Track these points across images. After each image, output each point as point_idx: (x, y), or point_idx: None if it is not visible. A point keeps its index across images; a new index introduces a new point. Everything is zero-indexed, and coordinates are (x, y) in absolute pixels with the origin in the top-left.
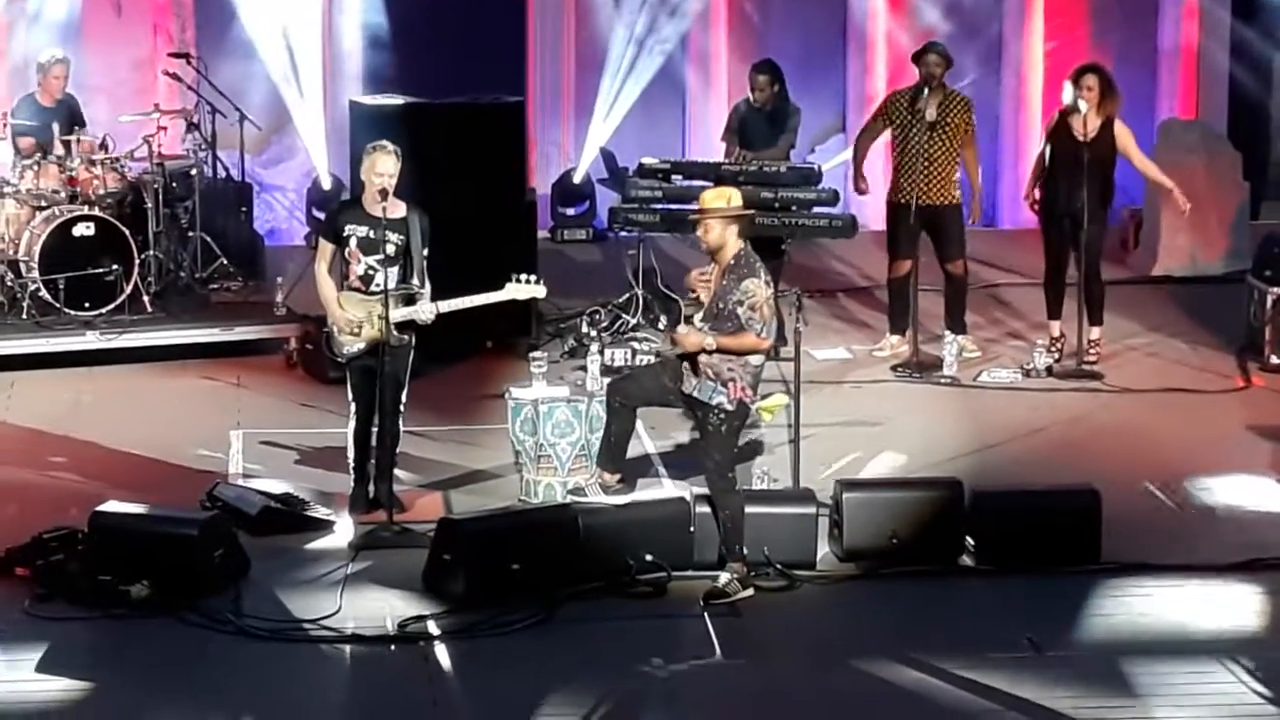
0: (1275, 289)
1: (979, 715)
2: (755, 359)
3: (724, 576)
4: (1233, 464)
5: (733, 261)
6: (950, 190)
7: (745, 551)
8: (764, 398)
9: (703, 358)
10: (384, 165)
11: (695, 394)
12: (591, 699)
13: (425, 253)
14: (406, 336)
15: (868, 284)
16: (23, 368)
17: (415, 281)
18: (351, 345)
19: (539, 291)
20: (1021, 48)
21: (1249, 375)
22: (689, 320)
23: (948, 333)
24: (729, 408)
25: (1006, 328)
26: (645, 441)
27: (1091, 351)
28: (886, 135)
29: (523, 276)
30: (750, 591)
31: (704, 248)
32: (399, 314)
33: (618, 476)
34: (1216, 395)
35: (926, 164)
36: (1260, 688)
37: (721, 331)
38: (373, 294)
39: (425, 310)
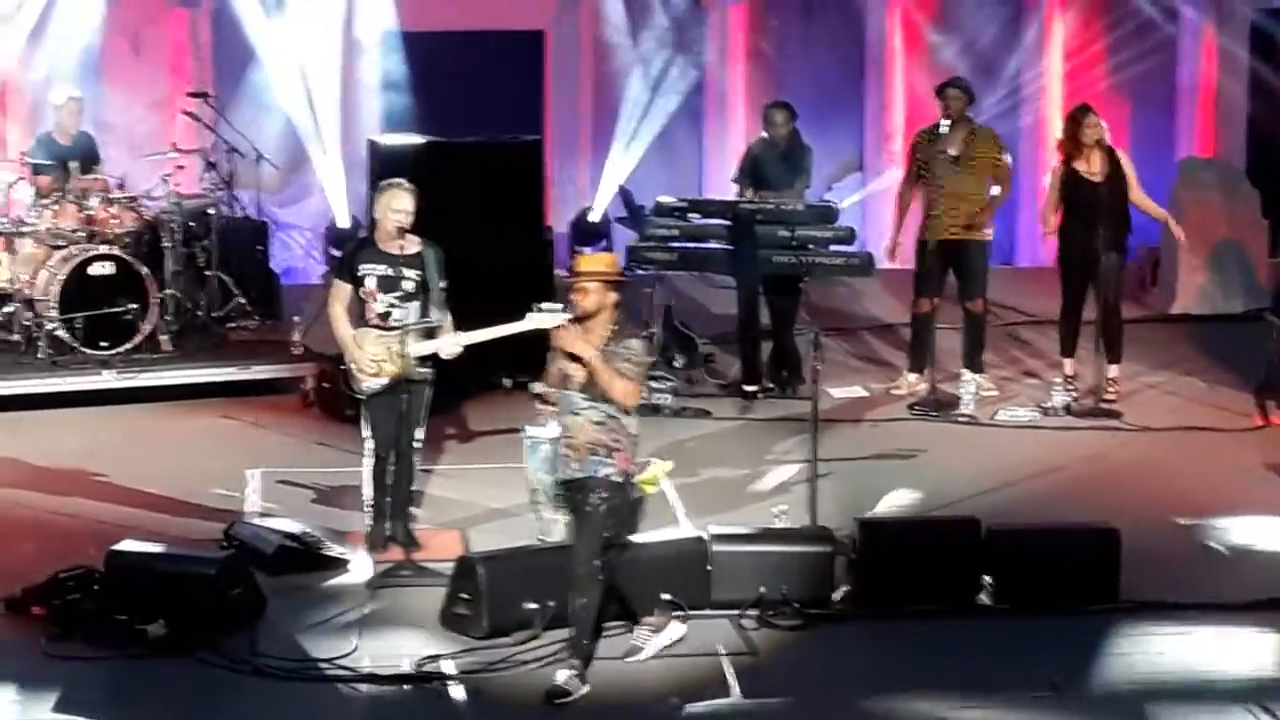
0: None
1: None
2: (633, 428)
3: (563, 674)
4: (1252, 503)
5: (615, 328)
6: (981, 226)
7: (589, 646)
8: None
9: (583, 431)
10: (399, 203)
11: (579, 475)
12: None
13: (443, 285)
14: (427, 372)
15: (884, 322)
16: (40, 407)
17: (435, 314)
18: (372, 383)
19: (563, 319)
20: (1039, 85)
21: (1268, 414)
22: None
23: (965, 371)
24: (617, 480)
25: (1024, 366)
26: (657, 475)
27: (1110, 390)
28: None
29: (544, 305)
30: (587, 688)
31: (577, 312)
32: (423, 348)
33: (667, 619)
34: (1235, 434)
35: (953, 200)
36: None
37: (606, 399)
38: (392, 329)
39: (449, 343)
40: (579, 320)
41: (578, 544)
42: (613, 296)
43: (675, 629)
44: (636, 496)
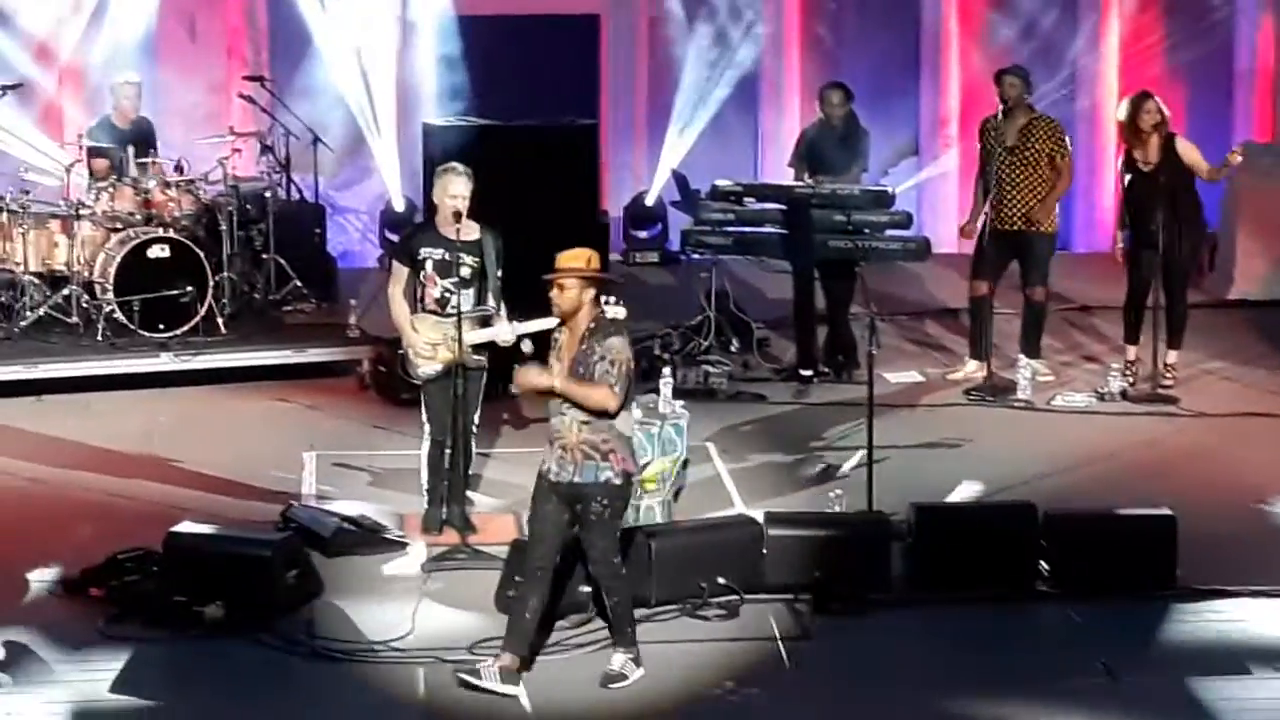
0: None
1: None
2: (625, 429)
3: (618, 659)
4: None
5: (593, 325)
6: (1037, 216)
7: (633, 631)
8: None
9: (574, 432)
10: (455, 187)
11: (576, 479)
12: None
13: (500, 274)
14: (482, 358)
15: (940, 307)
16: (98, 389)
17: (491, 303)
18: (427, 367)
19: (619, 313)
20: (1096, 70)
21: None
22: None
23: (1022, 357)
24: (617, 482)
25: (1081, 351)
26: (717, 464)
27: (1167, 375)
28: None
29: (601, 297)
30: (642, 671)
31: (555, 310)
32: (476, 336)
33: (519, 661)
34: None
35: (1010, 189)
36: None
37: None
38: (448, 316)
39: (504, 331)
40: (561, 319)
41: (593, 551)
42: (590, 293)
43: (641, 669)
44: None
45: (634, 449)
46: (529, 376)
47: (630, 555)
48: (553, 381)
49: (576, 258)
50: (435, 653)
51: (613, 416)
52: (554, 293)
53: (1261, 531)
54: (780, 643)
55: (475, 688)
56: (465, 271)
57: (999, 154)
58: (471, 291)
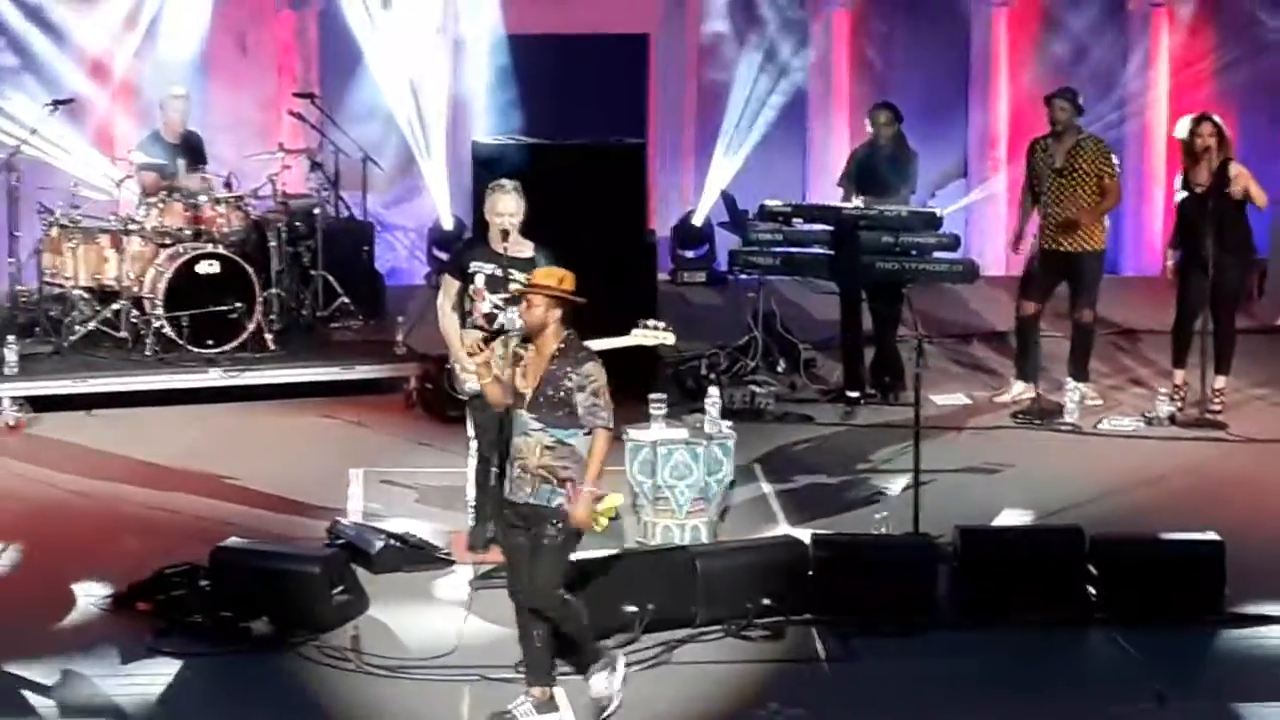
0: None
1: None
2: (585, 450)
3: (597, 678)
4: None
5: (563, 345)
6: (1086, 238)
7: (595, 649)
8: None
9: (535, 455)
10: (504, 205)
11: (531, 501)
12: None
13: None
14: None
15: (988, 329)
16: (146, 404)
17: None
18: (474, 382)
19: (669, 338)
20: (1147, 93)
21: None
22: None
23: (1070, 380)
24: (569, 509)
25: (1129, 375)
26: (762, 484)
27: (1216, 401)
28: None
29: (650, 322)
30: (617, 703)
31: (522, 325)
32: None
33: (548, 691)
34: None
35: (1059, 210)
36: None
37: (553, 421)
38: (496, 332)
39: None
40: (526, 337)
41: (538, 576)
42: (557, 313)
43: (620, 661)
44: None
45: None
46: (582, 511)
47: (676, 575)
48: (592, 489)
49: (549, 276)
50: (480, 670)
51: (545, 425)
52: (522, 307)
53: None
54: (826, 666)
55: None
56: (514, 288)
57: (1048, 176)
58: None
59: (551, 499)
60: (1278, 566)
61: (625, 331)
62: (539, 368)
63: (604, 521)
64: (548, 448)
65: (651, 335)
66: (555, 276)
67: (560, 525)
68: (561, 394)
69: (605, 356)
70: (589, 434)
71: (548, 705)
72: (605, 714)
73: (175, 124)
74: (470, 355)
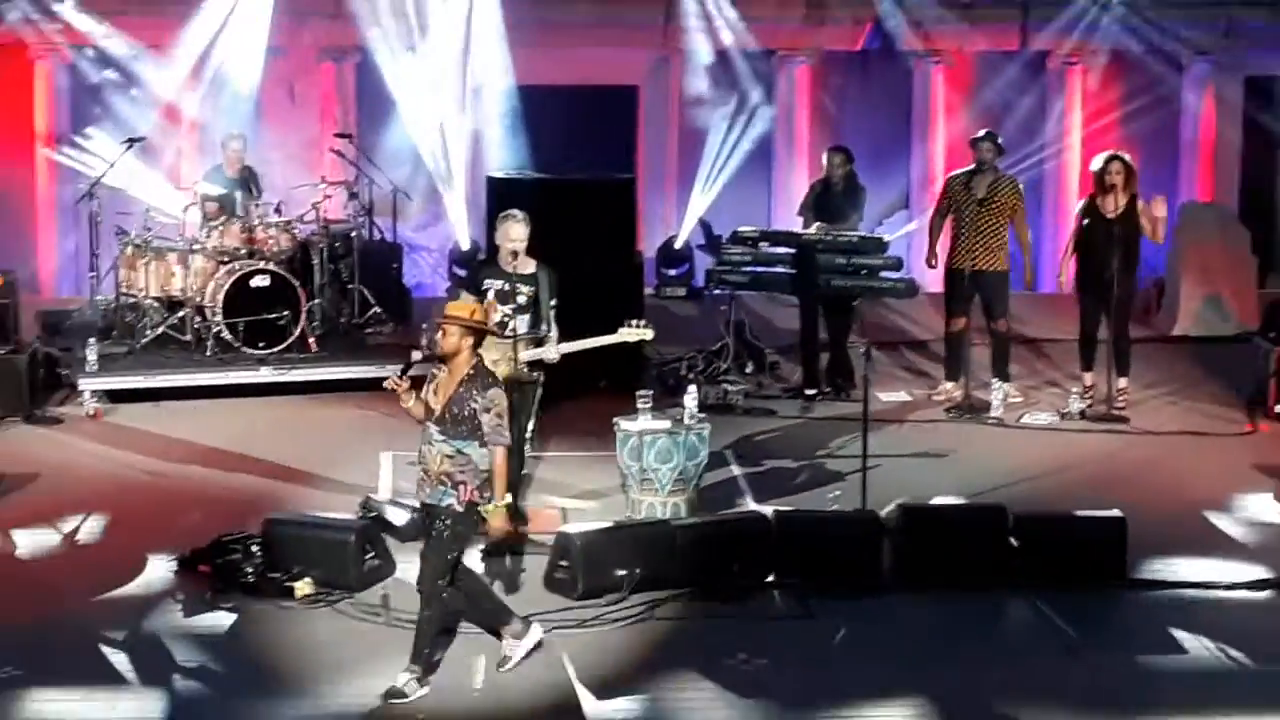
0: (1277, 348)
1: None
2: (483, 464)
3: (403, 676)
4: (1242, 497)
5: (471, 372)
6: (998, 258)
7: (429, 654)
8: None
9: (438, 466)
10: (515, 232)
11: (428, 500)
12: (686, 685)
13: (554, 303)
14: (537, 374)
15: (926, 338)
16: (206, 397)
17: (544, 327)
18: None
19: (648, 334)
20: (1063, 138)
21: (1256, 422)
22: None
23: (994, 380)
24: (458, 509)
25: (1045, 377)
26: (733, 467)
27: (1119, 399)
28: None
29: (633, 322)
30: (427, 689)
31: (438, 350)
32: (529, 354)
33: (518, 627)
34: (1227, 438)
35: (976, 235)
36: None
37: (455, 434)
38: (506, 338)
39: (551, 351)
40: (440, 359)
41: (424, 566)
42: (470, 340)
43: (535, 632)
44: (474, 522)
45: (485, 480)
46: (496, 523)
47: (659, 544)
48: (503, 522)
49: (462, 309)
50: (488, 625)
51: (447, 434)
52: (438, 335)
53: (1200, 533)
54: (786, 622)
55: (402, 706)
56: (521, 300)
57: (969, 206)
58: (527, 317)
59: (444, 499)
60: (1171, 540)
61: (614, 330)
62: (449, 388)
63: (494, 524)
64: (448, 456)
65: (635, 333)
66: (467, 309)
67: (449, 523)
68: (466, 412)
69: (599, 353)
70: (484, 446)
71: (523, 633)
72: (501, 669)
73: (234, 160)
74: (393, 389)
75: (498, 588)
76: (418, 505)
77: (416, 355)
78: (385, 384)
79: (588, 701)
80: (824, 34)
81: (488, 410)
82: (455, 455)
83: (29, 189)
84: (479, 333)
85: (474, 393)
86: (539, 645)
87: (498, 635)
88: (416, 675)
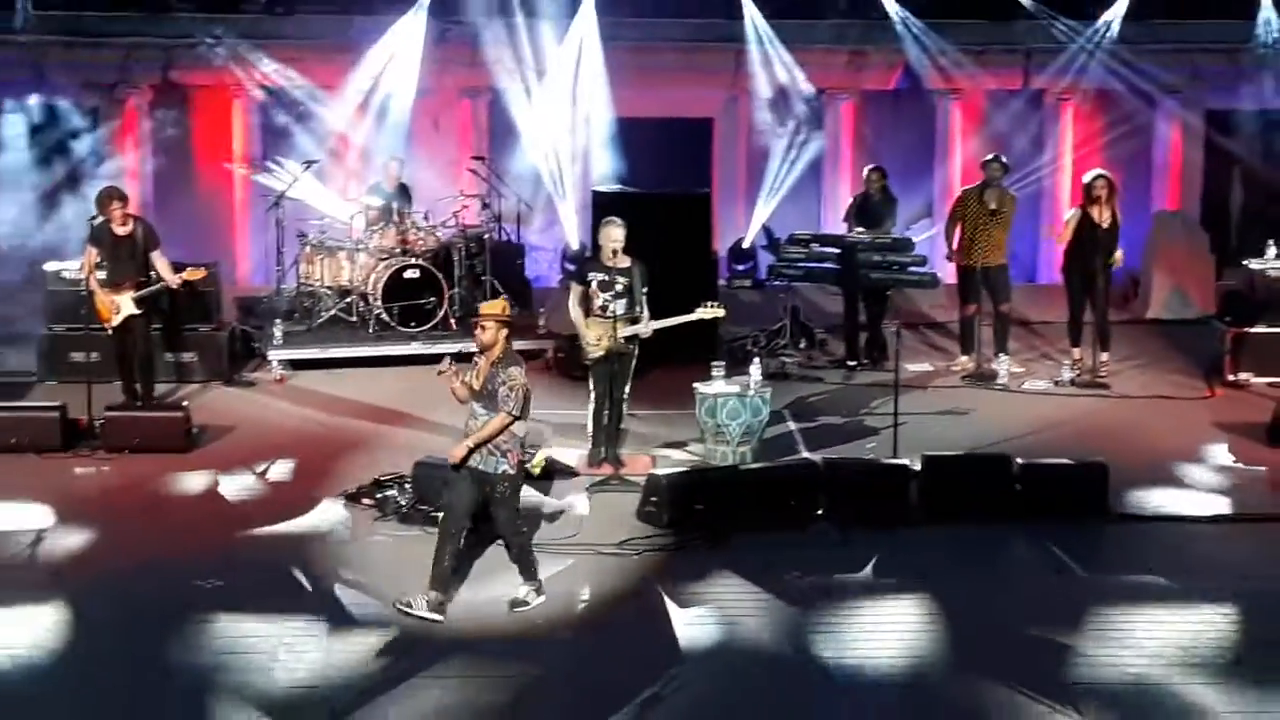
0: (1231, 329)
1: (1021, 625)
2: (519, 430)
3: (523, 590)
4: (1201, 447)
5: (501, 355)
6: (1002, 255)
7: (538, 573)
8: (531, 458)
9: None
10: (614, 234)
11: (482, 468)
12: (750, 596)
13: (645, 290)
14: (632, 346)
15: (945, 320)
16: (368, 365)
17: (638, 309)
18: (594, 352)
19: (720, 312)
20: (1056, 160)
21: (1213, 388)
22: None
23: (999, 354)
24: (512, 472)
25: (1040, 352)
26: (789, 423)
27: (1101, 369)
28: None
29: (708, 303)
30: (544, 598)
31: (477, 344)
32: (626, 330)
33: (441, 598)
34: (1190, 401)
35: (987, 238)
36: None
37: (493, 408)
38: (608, 318)
39: (644, 327)
40: (481, 350)
41: (500, 519)
42: (504, 332)
43: (543, 597)
44: (522, 480)
45: (523, 443)
46: (456, 450)
47: (729, 484)
48: (471, 443)
49: (494, 307)
50: (594, 546)
51: (487, 407)
52: (477, 331)
53: (1169, 477)
54: (830, 548)
55: (408, 614)
56: (619, 288)
57: (983, 215)
58: (624, 302)
59: (498, 466)
60: (1144, 482)
61: (689, 310)
62: (485, 370)
63: (536, 470)
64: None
65: (709, 311)
66: (499, 307)
67: (507, 485)
68: (494, 388)
69: (681, 333)
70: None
71: (438, 608)
72: (516, 609)
73: (392, 177)
74: (441, 374)
75: (601, 518)
76: (473, 468)
77: (448, 359)
78: (437, 372)
79: (674, 610)
80: (864, 76)
81: (504, 384)
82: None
83: (228, 201)
84: (509, 325)
85: (499, 371)
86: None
87: (525, 579)
88: (535, 588)
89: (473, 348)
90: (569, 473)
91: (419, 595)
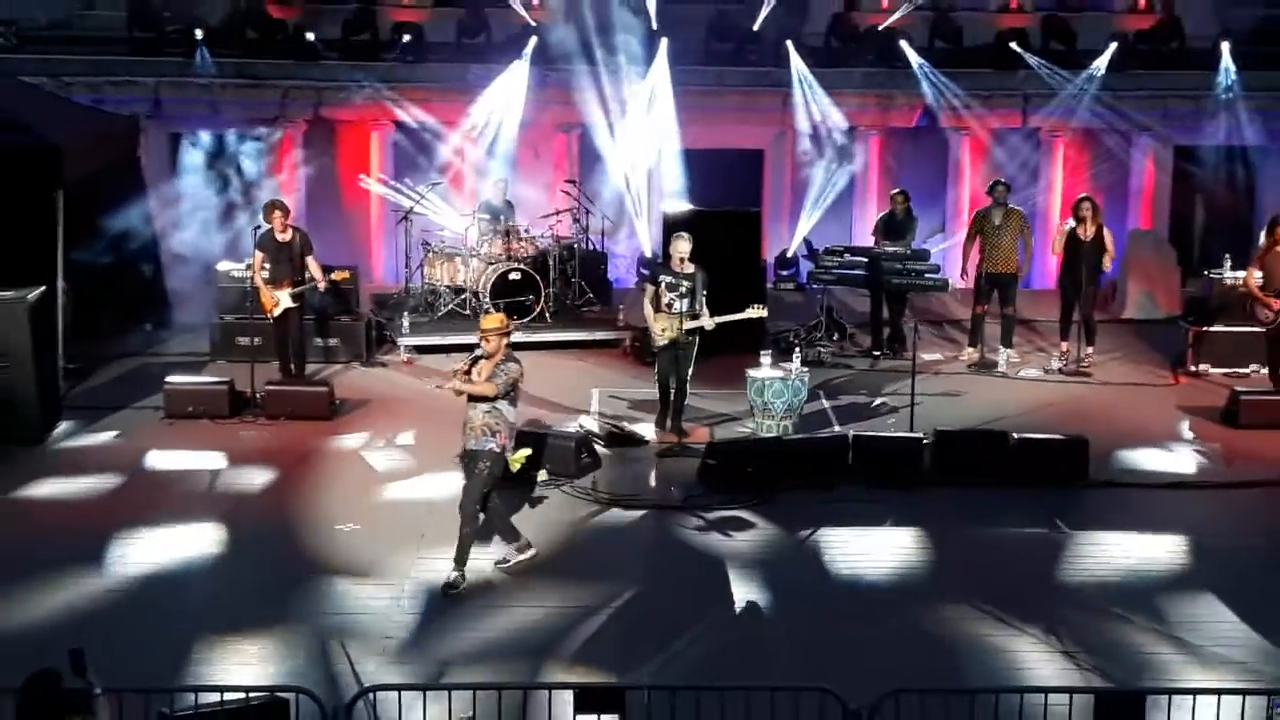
0: (1193, 328)
1: (1016, 568)
2: (511, 417)
3: (451, 575)
4: (1168, 425)
5: (503, 357)
6: (1011, 264)
7: (519, 539)
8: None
9: (478, 419)
10: (681, 247)
11: (474, 447)
12: (794, 541)
13: (704, 292)
14: (693, 338)
15: (953, 318)
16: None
17: (698, 307)
18: (661, 341)
19: (763, 313)
20: (1049, 187)
21: (1178, 377)
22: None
23: (1001, 347)
24: (497, 450)
25: (1035, 345)
26: (824, 402)
27: (1086, 361)
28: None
29: (756, 305)
30: (465, 582)
31: (482, 352)
32: (689, 325)
33: (462, 572)
34: (1159, 388)
35: (996, 250)
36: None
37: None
38: (674, 314)
39: (706, 322)
40: (486, 357)
41: (465, 494)
42: (504, 341)
43: (531, 550)
44: (505, 463)
45: (513, 434)
46: (456, 383)
47: (774, 452)
48: (456, 383)
49: (494, 321)
50: (661, 502)
51: (491, 400)
52: (483, 342)
53: (1140, 450)
54: (859, 505)
55: (453, 589)
56: (683, 289)
57: (991, 231)
58: (687, 301)
59: (486, 444)
60: (1117, 453)
61: (741, 309)
62: (489, 370)
63: (515, 466)
64: (486, 412)
65: (755, 311)
66: (498, 320)
67: (488, 464)
68: (496, 377)
69: (735, 328)
70: (513, 405)
71: (525, 548)
72: (499, 565)
73: (498, 195)
74: (438, 388)
75: (662, 479)
76: (467, 449)
77: (435, 382)
78: (435, 387)
79: (727, 555)
80: (889, 116)
81: (503, 373)
82: (491, 410)
83: (366, 215)
84: (507, 334)
85: (499, 367)
86: (533, 557)
87: (505, 542)
88: (460, 571)
89: (553, 337)
90: (640, 441)
91: (454, 569)
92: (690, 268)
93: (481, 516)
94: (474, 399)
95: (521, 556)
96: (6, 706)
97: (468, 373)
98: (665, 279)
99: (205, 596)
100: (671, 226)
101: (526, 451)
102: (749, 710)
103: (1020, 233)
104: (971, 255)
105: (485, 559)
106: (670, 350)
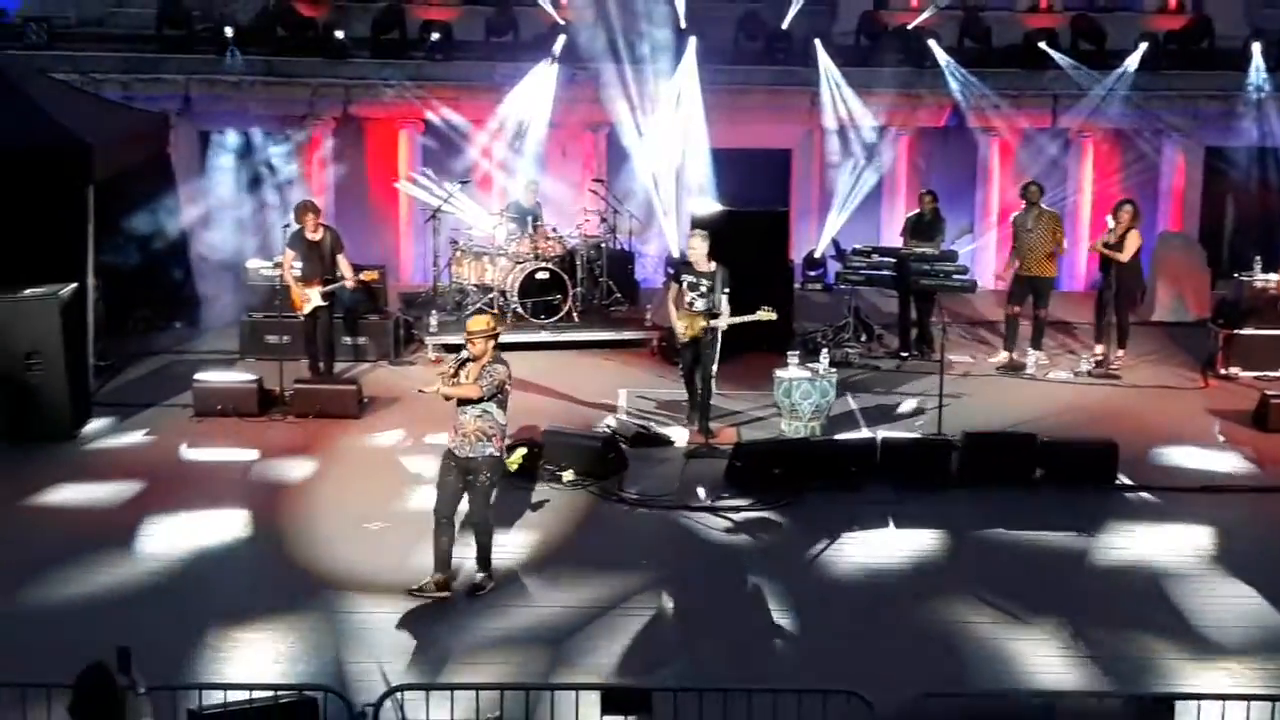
0: (1223, 330)
1: (1043, 572)
2: (501, 420)
3: (479, 576)
4: (1197, 428)
5: (490, 359)
6: (1044, 267)
7: (490, 563)
8: (510, 453)
9: (471, 423)
10: (696, 245)
11: (469, 454)
12: (822, 543)
13: (725, 291)
14: (713, 336)
15: (980, 319)
16: (506, 350)
17: (719, 305)
18: (682, 338)
19: (773, 316)
20: (1079, 189)
21: (1207, 380)
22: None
23: (1030, 349)
24: (496, 455)
25: (1067, 347)
26: (851, 403)
27: (1116, 363)
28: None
29: (765, 307)
30: (493, 583)
31: (469, 354)
32: (711, 323)
33: (444, 579)
34: (1188, 391)
35: (1030, 252)
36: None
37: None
38: (696, 313)
39: (723, 321)
40: (473, 359)
41: (474, 506)
42: (491, 343)
43: (489, 584)
44: (504, 466)
45: (505, 437)
46: (441, 388)
47: (801, 454)
48: (445, 390)
49: (480, 323)
50: (687, 503)
51: (476, 403)
52: (470, 345)
53: (1167, 453)
54: (886, 505)
55: (420, 595)
56: (704, 288)
57: (1024, 234)
58: (708, 300)
59: (485, 450)
60: (1147, 457)
61: (754, 311)
62: (476, 372)
63: (513, 466)
64: (478, 416)
65: (765, 313)
66: (484, 323)
67: (489, 473)
68: (483, 380)
69: (761, 326)
70: (502, 408)
71: (444, 587)
72: (475, 595)
73: (527, 195)
74: (421, 391)
75: (694, 480)
76: (460, 456)
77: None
78: (418, 390)
79: (753, 555)
80: (918, 115)
81: (489, 376)
82: (483, 414)
83: (394, 214)
84: (494, 336)
85: (486, 370)
86: (446, 597)
87: (480, 567)
88: (487, 574)
89: (581, 336)
90: (666, 442)
91: (427, 580)
92: (711, 266)
93: (491, 525)
94: (463, 402)
95: (491, 585)
96: (36, 700)
97: (455, 375)
98: (687, 278)
99: (233, 594)
100: (698, 226)
101: (523, 451)
102: (776, 713)
103: (1054, 235)
104: (1005, 261)
105: (509, 558)
106: (690, 347)
